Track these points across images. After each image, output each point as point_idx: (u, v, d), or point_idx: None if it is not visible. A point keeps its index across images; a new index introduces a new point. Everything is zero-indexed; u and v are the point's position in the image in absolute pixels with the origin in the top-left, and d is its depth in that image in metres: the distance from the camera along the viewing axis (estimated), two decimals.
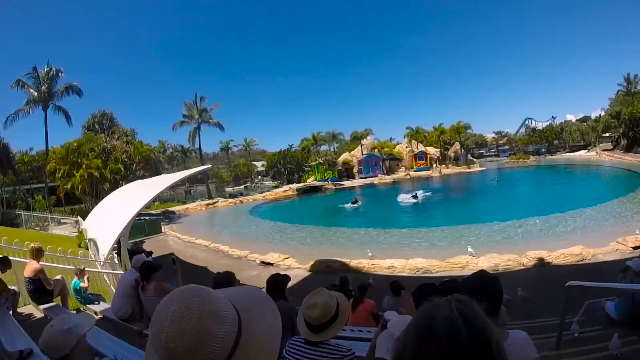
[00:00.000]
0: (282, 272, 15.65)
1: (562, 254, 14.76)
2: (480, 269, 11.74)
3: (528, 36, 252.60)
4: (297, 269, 16.47)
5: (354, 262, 16.07)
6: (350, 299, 7.15)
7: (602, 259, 14.35)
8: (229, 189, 74.09)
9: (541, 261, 14.47)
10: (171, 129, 63.75)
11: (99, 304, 8.44)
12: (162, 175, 32.45)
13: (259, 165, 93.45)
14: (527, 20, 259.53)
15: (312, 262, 16.51)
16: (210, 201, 52.68)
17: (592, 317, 7.91)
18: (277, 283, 4.90)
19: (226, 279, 4.68)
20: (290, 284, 13.60)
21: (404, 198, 38.43)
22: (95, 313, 7.84)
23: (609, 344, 5.29)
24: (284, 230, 28.99)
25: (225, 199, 54.59)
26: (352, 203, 38.60)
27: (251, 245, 21.47)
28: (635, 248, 14.64)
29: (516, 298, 10.54)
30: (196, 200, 55.68)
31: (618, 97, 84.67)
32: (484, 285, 2.21)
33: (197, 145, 64.84)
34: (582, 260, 14.43)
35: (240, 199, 54.85)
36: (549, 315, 8.08)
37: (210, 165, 56.21)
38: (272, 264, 17.15)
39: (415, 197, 37.71)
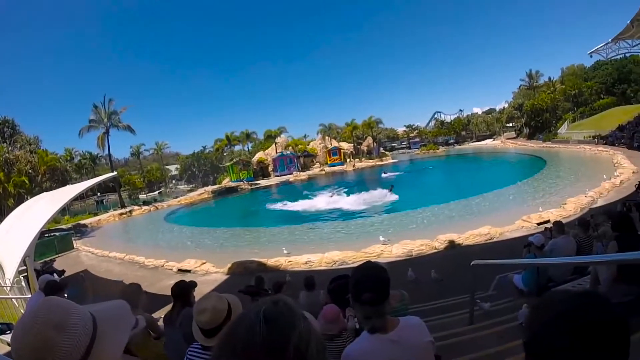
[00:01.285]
0: (199, 278, 15.61)
1: (472, 235, 15.73)
2: (367, 259, 12.23)
3: (437, 34, 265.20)
4: (214, 273, 16.50)
5: (271, 261, 16.21)
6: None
7: (510, 236, 15.44)
8: (142, 196, 70.99)
9: (452, 243, 15.34)
10: (78, 134, 58.25)
11: (10, 333, 8.06)
12: (68, 185, 31.08)
13: (173, 169, 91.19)
14: (436, 19, 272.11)
15: (229, 265, 16.45)
16: (123, 210, 49.96)
17: (503, 290, 8.68)
18: (181, 291, 4.89)
19: (132, 292, 4.69)
20: (208, 289, 13.60)
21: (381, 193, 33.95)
22: (9, 344, 7.57)
23: (517, 314, 5.76)
24: (201, 234, 28.59)
25: (139, 207, 52.25)
26: (330, 196, 36.16)
27: (168, 254, 21.06)
28: (539, 224, 15.84)
29: (430, 279, 11.25)
30: (109, 211, 52.43)
31: (520, 90, 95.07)
32: (368, 276, 2.21)
33: (106, 151, 61.49)
34: (490, 239, 15.49)
35: (155, 205, 53.04)
36: (462, 292, 8.61)
37: (115, 173, 53.57)
38: (189, 271, 16.97)
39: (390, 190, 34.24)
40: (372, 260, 2.74)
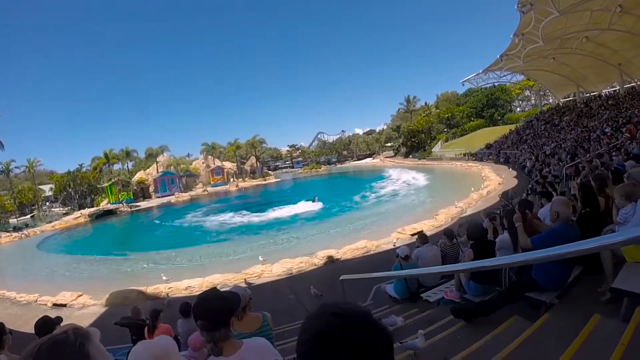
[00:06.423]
0: (76, 312, 15.60)
1: (349, 250, 16.70)
2: (212, 287, 12.25)
3: (322, 57, 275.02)
4: (92, 306, 15.69)
5: (150, 289, 15.71)
6: (145, 328, 7.58)
7: (386, 248, 16.65)
8: (13, 221, 63.86)
9: (331, 258, 16.22)
10: None
11: None
12: None
13: (47, 189, 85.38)
14: (320, 42, 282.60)
15: (107, 296, 15.66)
16: None
17: (380, 299, 9.69)
18: (43, 328, 4.70)
19: None
20: (85, 323, 13.90)
21: None
22: None
23: (385, 320, 6.20)
24: (78, 263, 27.19)
25: (9, 234, 47.70)
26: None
27: (42, 287, 19.88)
28: (413, 235, 16.89)
29: (309, 296, 12.02)
30: None
31: (399, 113, 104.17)
32: (202, 305, 2.34)
33: None
34: (367, 252, 16.58)
35: (26, 232, 48.82)
36: None
37: None
38: (65, 305, 15.97)
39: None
40: (216, 288, 2.95)
